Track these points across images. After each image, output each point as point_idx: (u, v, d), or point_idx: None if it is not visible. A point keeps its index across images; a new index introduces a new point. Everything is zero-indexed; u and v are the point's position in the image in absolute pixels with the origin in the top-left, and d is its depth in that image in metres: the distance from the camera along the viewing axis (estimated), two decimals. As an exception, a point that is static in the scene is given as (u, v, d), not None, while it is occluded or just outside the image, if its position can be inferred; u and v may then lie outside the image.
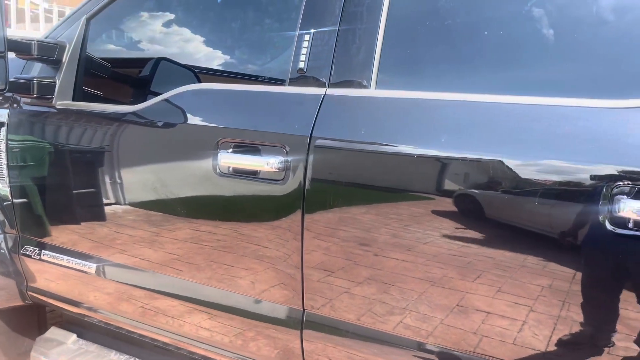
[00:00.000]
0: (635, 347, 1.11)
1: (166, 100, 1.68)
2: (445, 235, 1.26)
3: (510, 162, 1.18)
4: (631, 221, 1.07)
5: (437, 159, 1.27)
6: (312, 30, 1.50)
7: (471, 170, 1.24)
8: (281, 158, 1.44)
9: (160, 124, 1.70)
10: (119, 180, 1.78)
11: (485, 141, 1.22)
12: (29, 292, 2.13)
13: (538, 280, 1.18)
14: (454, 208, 1.25)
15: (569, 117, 1.16)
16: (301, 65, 1.50)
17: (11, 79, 1.80)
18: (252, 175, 1.50)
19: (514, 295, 1.21)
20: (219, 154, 1.53)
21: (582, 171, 1.12)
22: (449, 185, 1.27)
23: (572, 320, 1.16)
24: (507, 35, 1.34)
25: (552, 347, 1.19)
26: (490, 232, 1.24)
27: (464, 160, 1.24)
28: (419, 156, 1.28)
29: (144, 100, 1.77)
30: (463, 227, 1.25)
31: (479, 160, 1.22)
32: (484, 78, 1.33)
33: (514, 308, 1.21)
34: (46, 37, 1.98)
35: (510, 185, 1.19)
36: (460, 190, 1.26)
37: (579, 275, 1.15)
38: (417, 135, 1.31)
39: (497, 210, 1.23)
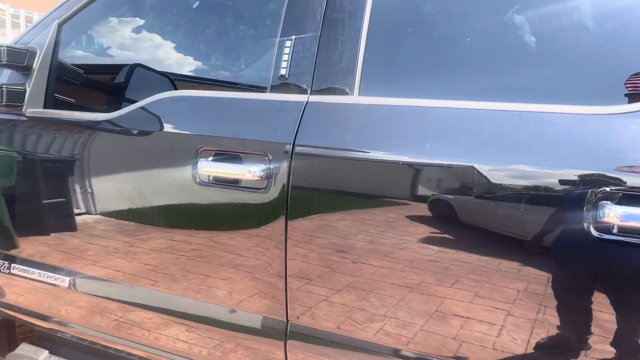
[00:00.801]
0: (611, 349, 1.12)
1: (143, 107, 1.64)
2: (434, 242, 1.25)
3: (495, 169, 1.18)
4: (615, 226, 1.08)
5: (423, 165, 1.26)
6: (294, 37, 1.48)
7: (457, 177, 1.24)
8: (263, 166, 1.41)
9: (137, 132, 1.65)
10: (95, 192, 1.73)
11: (471, 148, 1.22)
12: (-2, 307, 2.04)
13: (515, 284, 1.18)
14: (442, 215, 1.25)
15: (553, 123, 1.16)
16: (283, 71, 1.48)
17: (-21, 86, 1.74)
18: (233, 184, 1.47)
19: (498, 301, 1.21)
20: (198, 163, 1.49)
21: (568, 176, 1.13)
22: (435, 192, 1.26)
23: (550, 324, 1.17)
24: (494, 41, 1.34)
25: (531, 351, 1.19)
26: (481, 240, 1.23)
27: (449, 167, 1.23)
28: (404, 163, 1.27)
29: (118, 107, 1.73)
30: (452, 234, 1.24)
31: (464, 167, 1.21)
32: (469, 84, 1.33)
33: (504, 315, 1.21)
34: (16, 43, 1.91)
35: (497, 192, 1.19)
36: (447, 197, 1.25)
37: (561, 280, 1.16)
38: (402, 142, 1.30)
39: (486, 218, 1.22)
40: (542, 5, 1.31)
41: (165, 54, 2.10)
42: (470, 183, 1.22)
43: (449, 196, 1.25)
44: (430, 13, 1.38)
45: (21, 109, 1.84)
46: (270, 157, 1.41)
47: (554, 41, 1.29)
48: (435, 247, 1.25)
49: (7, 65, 1.82)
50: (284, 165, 1.38)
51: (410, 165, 1.27)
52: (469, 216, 1.24)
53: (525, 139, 1.18)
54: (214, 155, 1.49)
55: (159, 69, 2.11)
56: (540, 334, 1.18)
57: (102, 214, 1.74)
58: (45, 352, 2.05)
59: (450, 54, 1.37)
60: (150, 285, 1.68)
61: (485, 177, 1.19)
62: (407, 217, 1.28)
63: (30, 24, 1.98)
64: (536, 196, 1.15)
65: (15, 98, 1.82)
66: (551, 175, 1.14)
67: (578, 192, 1.11)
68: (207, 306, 1.59)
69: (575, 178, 1.12)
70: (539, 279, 1.16)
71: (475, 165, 1.20)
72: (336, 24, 1.43)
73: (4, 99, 1.79)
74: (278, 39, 1.50)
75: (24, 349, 2.08)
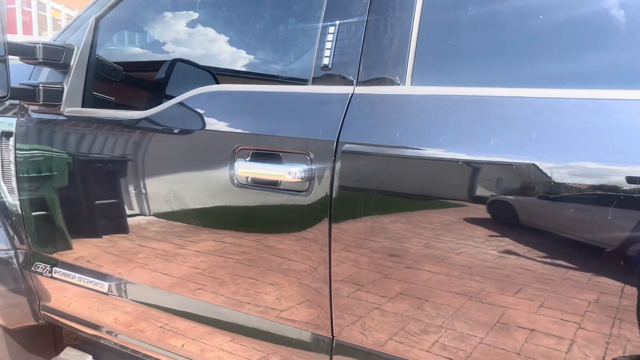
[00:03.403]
0: None
1: (179, 104, 1.53)
2: (503, 250, 1.08)
3: (574, 167, 0.99)
4: None
5: (486, 164, 1.09)
6: (337, 22, 1.33)
7: (529, 177, 1.05)
8: (305, 166, 1.28)
9: (173, 129, 1.55)
10: (131, 192, 1.65)
11: (544, 143, 1.03)
12: (42, 312, 2.01)
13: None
14: (511, 219, 1.07)
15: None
16: (325, 61, 1.33)
17: (16, 85, 1.69)
18: (272, 186, 1.34)
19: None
20: (235, 163, 1.37)
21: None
22: (500, 194, 1.08)
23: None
24: (573, 18, 1.13)
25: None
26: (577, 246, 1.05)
27: (518, 165, 1.05)
28: (464, 162, 1.10)
29: (158, 104, 1.64)
30: (536, 240, 1.06)
31: (536, 166, 1.03)
32: (544, 69, 1.13)
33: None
34: (54, 40, 1.86)
35: (578, 193, 1.00)
36: (516, 199, 1.07)
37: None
38: (462, 137, 1.13)
39: (576, 223, 1.02)
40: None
41: (205, 47, 1.99)
42: (546, 184, 1.03)
43: (520, 199, 1.06)
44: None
45: (59, 108, 1.78)
46: (312, 157, 1.27)
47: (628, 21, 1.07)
48: (508, 254, 1.08)
49: (43, 63, 1.76)
50: (327, 165, 1.24)
51: (471, 164, 1.10)
52: (552, 223, 1.05)
53: (612, 132, 0.98)
54: (252, 154, 1.36)
55: (199, 63, 2.01)
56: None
57: (140, 217, 1.66)
58: (89, 358, 2.01)
59: (520, 33, 1.18)
60: (187, 290, 1.58)
61: (564, 177, 1.00)
62: (469, 221, 1.11)
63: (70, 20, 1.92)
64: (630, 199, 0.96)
65: (53, 97, 1.76)
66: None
67: None
68: (251, 317, 1.48)
69: None
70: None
71: (550, 164, 1.01)
72: (385, 6, 1.27)
73: (41, 98, 1.74)
74: (320, 25, 1.36)
75: (69, 353, 2.05)
